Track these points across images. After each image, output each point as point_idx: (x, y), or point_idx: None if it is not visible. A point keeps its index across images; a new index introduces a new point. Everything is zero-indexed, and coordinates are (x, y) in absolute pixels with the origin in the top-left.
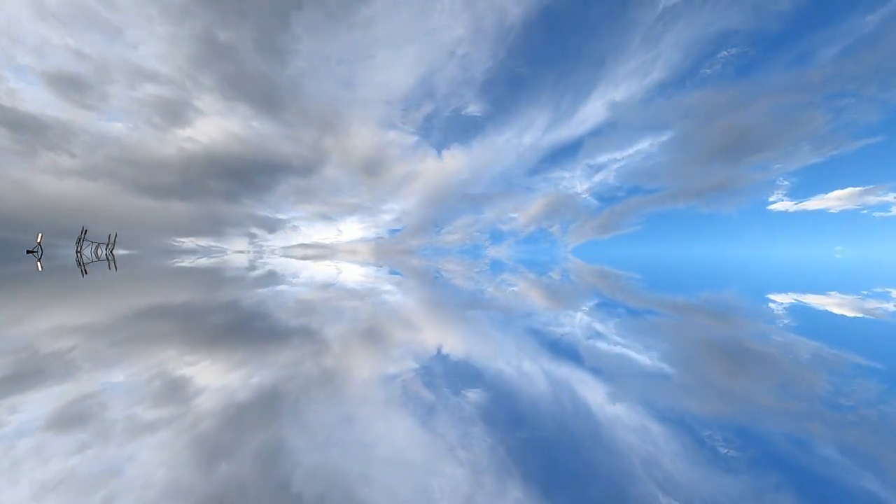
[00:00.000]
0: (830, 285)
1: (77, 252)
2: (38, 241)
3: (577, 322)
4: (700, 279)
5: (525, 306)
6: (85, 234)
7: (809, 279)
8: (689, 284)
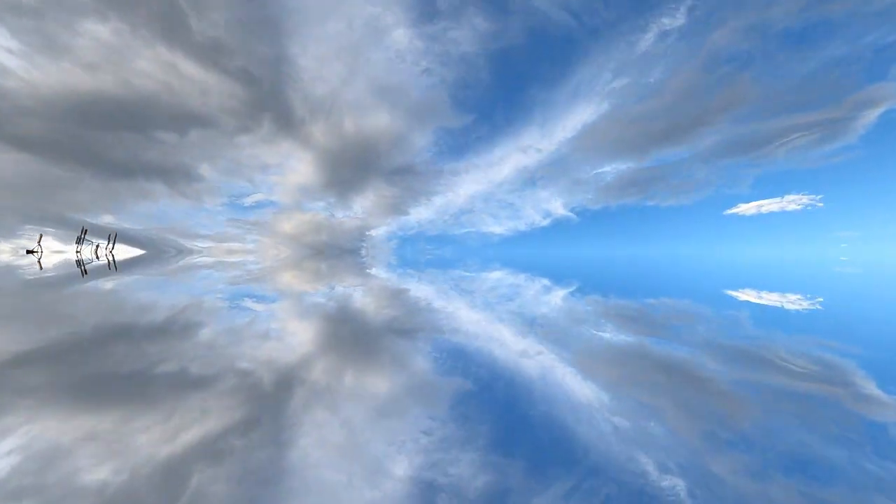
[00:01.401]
0: None
1: (77, 252)
2: (39, 240)
3: None
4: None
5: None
6: (85, 233)
7: None
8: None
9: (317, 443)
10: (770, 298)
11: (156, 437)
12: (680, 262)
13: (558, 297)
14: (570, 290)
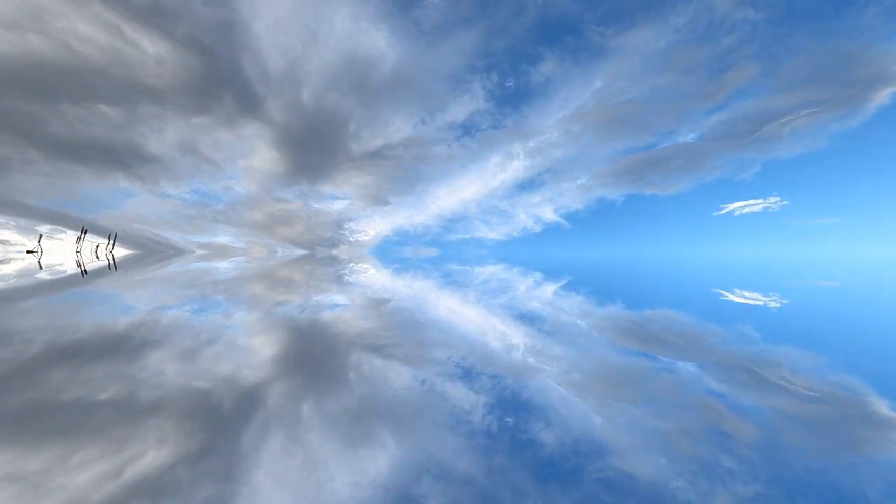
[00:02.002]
0: None
1: (77, 252)
2: (38, 241)
3: None
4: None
5: None
6: (85, 233)
7: None
8: None
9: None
10: (747, 298)
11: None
12: (671, 262)
13: (543, 296)
14: (555, 290)
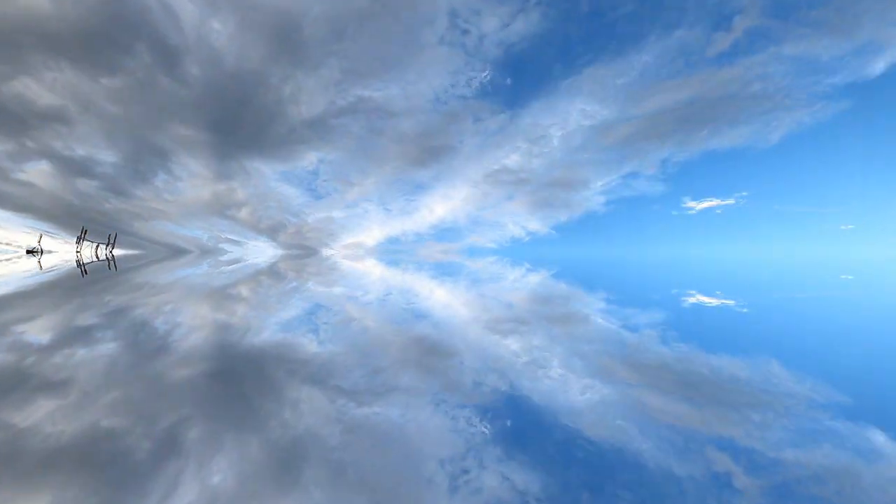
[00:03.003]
0: None
1: (77, 252)
2: (38, 240)
3: None
4: None
5: None
6: (85, 233)
7: None
8: None
9: None
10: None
11: None
12: (658, 263)
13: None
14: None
